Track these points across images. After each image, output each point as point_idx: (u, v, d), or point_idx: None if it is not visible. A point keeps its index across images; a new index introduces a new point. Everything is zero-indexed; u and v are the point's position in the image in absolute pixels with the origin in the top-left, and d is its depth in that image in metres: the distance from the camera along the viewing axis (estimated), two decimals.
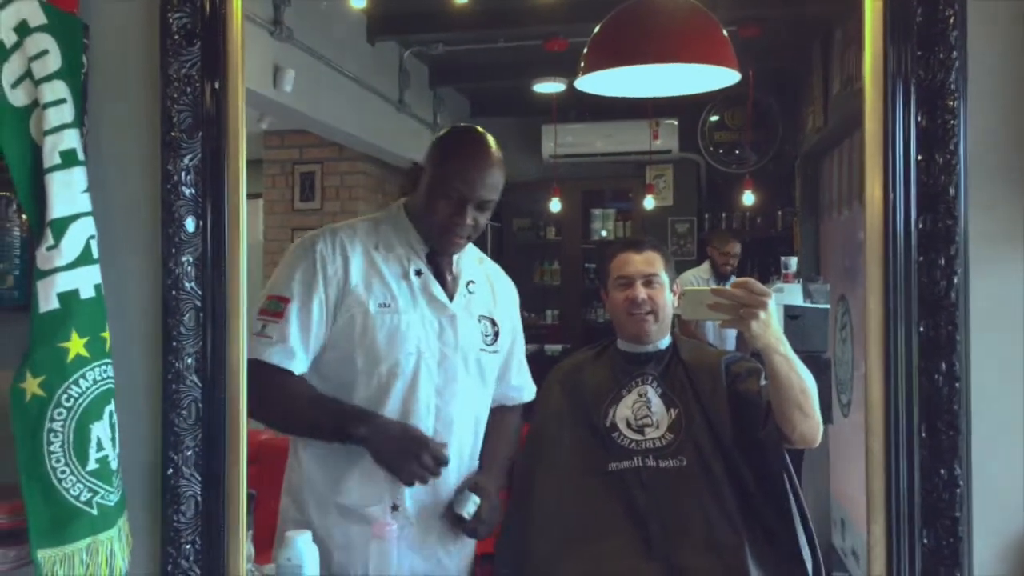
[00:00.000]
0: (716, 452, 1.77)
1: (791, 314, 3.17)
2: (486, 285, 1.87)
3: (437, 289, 1.77)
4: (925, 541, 1.13)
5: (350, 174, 5.36)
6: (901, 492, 1.14)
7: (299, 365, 1.69)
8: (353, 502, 1.69)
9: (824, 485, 3.95)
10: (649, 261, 1.90)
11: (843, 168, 3.99)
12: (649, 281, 1.88)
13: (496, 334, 1.85)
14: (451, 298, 1.78)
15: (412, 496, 1.71)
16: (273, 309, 1.67)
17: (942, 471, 1.12)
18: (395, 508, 1.70)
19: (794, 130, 5.23)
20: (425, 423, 1.72)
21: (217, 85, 1.36)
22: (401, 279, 1.75)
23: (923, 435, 1.14)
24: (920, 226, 1.15)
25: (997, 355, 1.20)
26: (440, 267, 1.79)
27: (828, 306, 3.44)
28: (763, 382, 1.74)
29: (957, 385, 1.13)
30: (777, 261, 3.66)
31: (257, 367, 1.59)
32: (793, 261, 3.63)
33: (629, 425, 1.84)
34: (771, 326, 1.60)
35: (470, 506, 1.73)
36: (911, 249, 1.16)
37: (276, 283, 1.71)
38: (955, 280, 1.13)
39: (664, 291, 1.89)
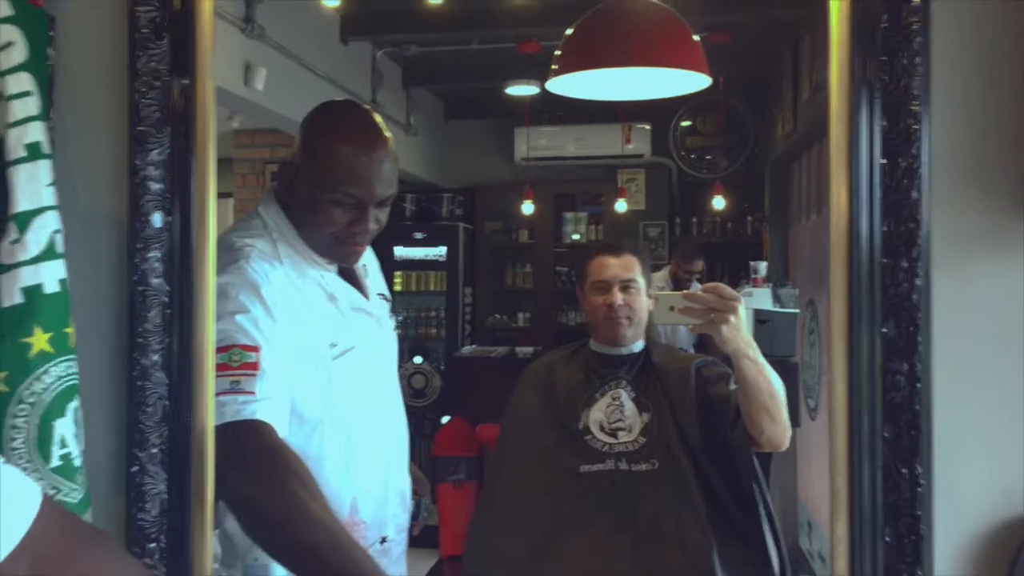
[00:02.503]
0: (686, 456, 1.80)
1: (760, 318, 3.21)
2: (370, 261, 1.67)
3: (361, 299, 1.59)
4: (887, 539, 1.15)
5: None
6: (864, 491, 1.16)
7: (283, 424, 1.39)
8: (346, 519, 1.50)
9: (791, 488, 4.00)
10: (627, 265, 1.92)
11: (812, 173, 4.04)
12: (626, 286, 1.90)
13: (392, 310, 1.72)
14: (367, 298, 1.62)
15: (392, 519, 1.62)
16: (240, 361, 1.36)
17: (904, 470, 1.14)
18: (383, 541, 1.60)
19: (764, 135, 5.30)
20: (391, 442, 1.63)
21: (186, 80, 1.34)
22: (329, 303, 1.52)
23: (885, 435, 1.16)
24: (884, 229, 1.17)
25: (959, 356, 1.22)
26: (348, 270, 1.58)
27: (797, 311, 3.48)
28: (732, 386, 1.76)
29: (919, 386, 1.15)
30: (747, 265, 3.70)
31: (239, 430, 1.33)
32: (762, 266, 3.67)
33: (602, 428, 1.85)
34: (741, 330, 1.62)
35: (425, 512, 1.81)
36: (875, 252, 1.18)
37: (229, 332, 1.38)
38: (917, 282, 1.15)
39: (640, 295, 1.91)
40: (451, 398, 5.15)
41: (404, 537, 1.69)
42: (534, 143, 5.78)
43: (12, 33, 1.26)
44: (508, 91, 4.99)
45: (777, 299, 3.53)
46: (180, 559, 1.33)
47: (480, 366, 5.13)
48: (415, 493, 1.74)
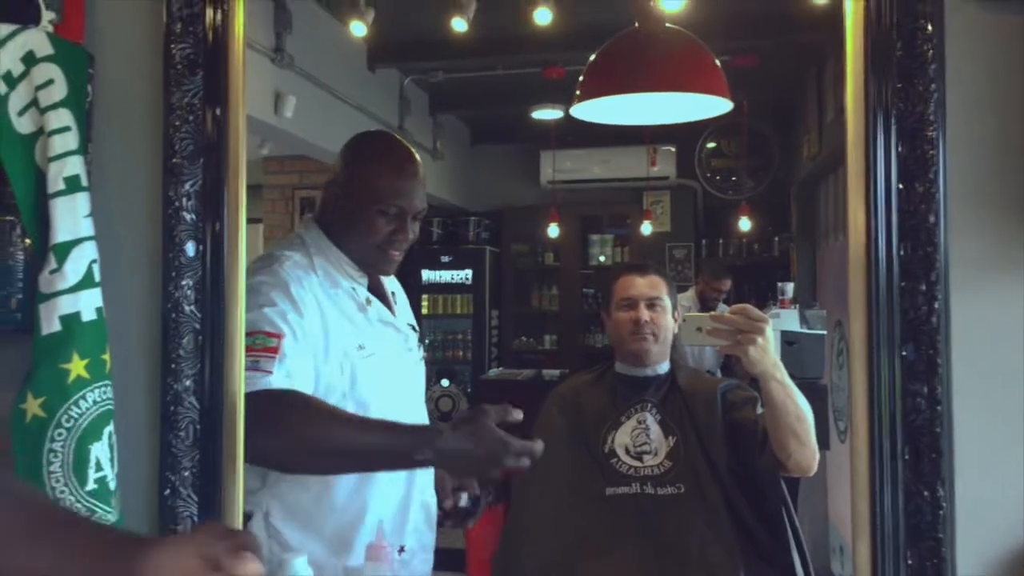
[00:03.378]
0: (713, 480, 1.79)
1: (788, 340, 3.19)
2: (398, 292, 1.79)
3: (388, 314, 1.68)
4: (909, 562, 1.15)
5: None
6: (886, 513, 1.16)
7: (310, 387, 1.49)
8: (360, 560, 1.52)
9: (822, 511, 3.95)
10: (653, 284, 1.94)
11: (838, 195, 4.02)
12: (652, 304, 1.91)
13: (420, 341, 1.80)
14: (394, 315, 1.71)
15: (414, 531, 1.65)
16: (263, 345, 1.45)
17: (925, 493, 1.14)
18: (401, 550, 1.62)
19: (790, 157, 5.29)
20: None
21: (218, 112, 1.38)
22: (359, 312, 1.62)
23: (906, 457, 1.16)
24: (901, 253, 1.17)
25: (978, 378, 1.22)
26: (378, 289, 1.69)
27: (824, 332, 3.46)
28: (759, 410, 1.75)
29: (939, 408, 1.16)
30: (774, 287, 3.68)
31: (264, 398, 1.41)
32: (790, 287, 3.66)
33: (628, 451, 1.85)
34: (768, 352, 1.61)
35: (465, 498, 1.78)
36: (893, 275, 1.18)
37: (255, 322, 1.47)
38: (936, 305, 1.16)
39: (666, 315, 1.92)
40: None
41: (429, 557, 1.70)
42: (559, 166, 5.81)
43: (53, 71, 1.32)
44: (533, 115, 5.02)
45: (805, 320, 3.51)
46: None
47: (506, 389, 5.13)
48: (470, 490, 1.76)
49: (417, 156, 1.67)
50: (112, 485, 1.30)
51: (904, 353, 1.16)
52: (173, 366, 1.36)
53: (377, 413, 1.56)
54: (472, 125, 6.10)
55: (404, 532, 1.63)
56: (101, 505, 1.28)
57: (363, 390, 1.56)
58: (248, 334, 1.44)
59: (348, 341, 1.56)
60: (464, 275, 5.96)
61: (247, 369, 1.43)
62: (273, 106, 3.48)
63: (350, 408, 1.53)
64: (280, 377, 1.44)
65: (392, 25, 3.76)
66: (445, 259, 5.93)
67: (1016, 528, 1.21)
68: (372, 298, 1.65)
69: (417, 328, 1.80)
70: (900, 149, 1.17)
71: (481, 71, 4.67)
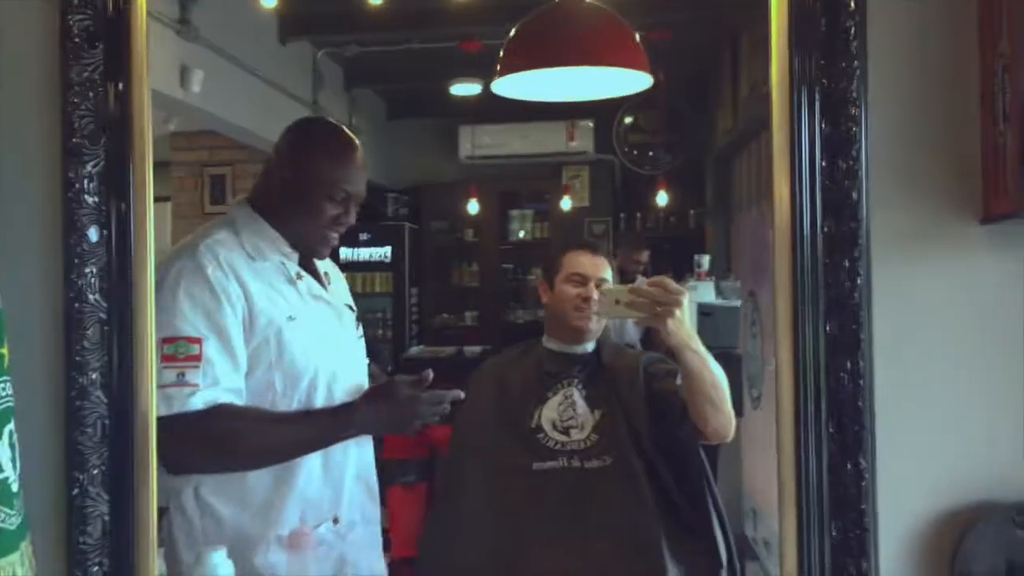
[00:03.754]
0: (637, 452, 1.82)
1: (704, 311, 3.25)
2: (334, 275, 1.85)
3: (320, 288, 1.72)
4: (834, 533, 1.18)
5: None
6: (811, 486, 1.19)
7: (237, 397, 1.56)
8: (295, 526, 1.60)
9: (736, 477, 4.06)
10: (602, 265, 1.97)
11: (752, 168, 4.10)
12: (599, 284, 1.92)
13: (357, 319, 1.85)
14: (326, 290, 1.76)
15: (352, 502, 1.69)
16: (185, 353, 1.50)
17: (848, 465, 1.17)
18: (335, 521, 1.66)
19: (705, 132, 5.37)
20: None
21: (121, 88, 1.30)
22: (288, 285, 1.66)
23: (831, 431, 1.19)
24: (825, 229, 1.19)
25: (899, 352, 1.25)
26: (309, 267, 1.73)
27: (739, 303, 3.54)
28: (679, 381, 1.78)
29: (861, 382, 1.18)
30: (690, 260, 3.74)
31: (191, 419, 1.48)
32: (706, 259, 3.72)
33: (554, 426, 1.86)
34: (684, 324, 1.64)
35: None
36: (817, 251, 1.20)
37: (175, 323, 1.51)
38: (859, 281, 1.18)
39: None
40: None
41: (375, 530, 1.76)
42: (478, 141, 5.77)
43: None
44: (451, 90, 4.96)
45: (720, 292, 3.58)
46: None
47: (428, 366, 5.09)
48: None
49: (358, 143, 1.72)
50: (15, 487, 1.21)
51: (828, 329, 1.18)
52: (78, 359, 1.29)
53: (307, 383, 1.60)
54: (388, 99, 6.00)
55: (340, 503, 1.66)
56: (3, 508, 1.19)
57: (290, 360, 1.59)
58: (169, 340, 1.49)
59: (276, 312, 1.60)
60: (383, 252, 5.88)
61: (172, 384, 1.48)
62: (179, 80, 3.34)
63: (276, 378, 1.57)
64: (205, 390, 1.50)
65: None
66: (364, 236, 5.83)
67: (937, 497, 1.26)
68: (303, 273, 1.69)
69: (354, 308, 1.83)
70: (823, 126, 1.18)
71: (397, 44, 4.58)
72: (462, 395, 1.68)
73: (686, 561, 1.75)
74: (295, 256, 1.68)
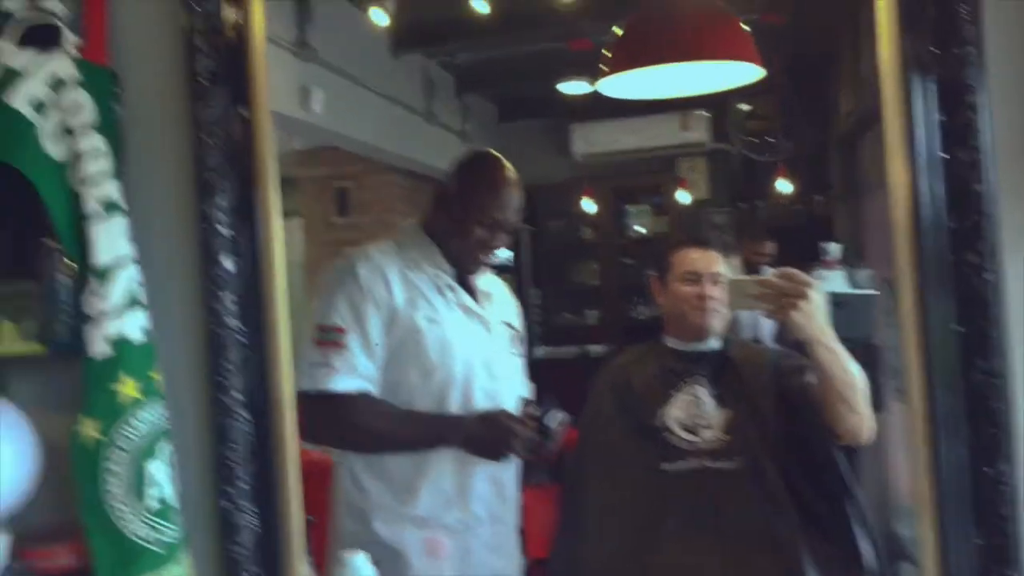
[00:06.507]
0: (770, 452, 1.77)
1: (836, 301, 3.11)
2: (498, 295, 1.98)
3: (470, 301, 1.87)
4: (978, 541, 1.12)
5: (384, 187, 5.41)
6: (948, 490, 1.13)
7: (372, 387, 1.75)
8: (427, 512, 1.77)
9: (882, 473, 3.89)
10: (715, 259, 1.93)
11: (879, 149, 3.91)
12: (715, 279, 1.89)
13: (518, 339, 1.97)
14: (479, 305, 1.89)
15: (480, 499, 1.80)
16: (332, 339, 1.73)
17: (986, 469, 1.11)
18: (463, 513, 1.80)
19: (827, 114, 5.16)
20: None
21: (246, 118, 1.38)
22: (437, 294, 1.83)
23: (966, 433, 1.13)
24: (949, 224, 1.13)
25: None
26: (464, 283, 1.89)
27: (875, 291, 3.38)
28: (811, 379, 1.73)
29: (997, 382, 1.12)
30: (817, 248, 3.61)
31: (327, 398, 1.70)
32: (834, 247, 3.58)
33: (682, 426, 1.84)
34: (814, 316, 1.59)
35: (555, 418, 1.79)
36: (942, 248, 1.14)
37: (326, 312, 1.76)
38: (988, 276, 1.12)
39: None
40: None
41: (506, 531, 1.87)
42: (591, 139, 5.74)
43: (81, 95, 1.32)
44: (561, 89, 4.97)
45: (852, 280, 3.44)
46: None
47: (553, 368, 5.13)
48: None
49: (517, 177, 1.88)
50: (172, 502, 1.31)
51: (958, 328, 1.12)
52: (222, 380, 1.37)
53: (440, 383, 1.76)
54: (499, 103, 6.05)
55: (469, 497, 1.79)
56: (163, 523, 1.29)
57: (426, 358, 1.75)
58: (320, 326, 1.74)
59: (417, 314, 1.77)
60: (504, 256, 5.94)
61: (316, 364, 1.71)
62: (300, 101, 3.48)
63: (412, 374, 1.75)
64: (343, 376, 1.71)
65: (413, 10, 3.74)
66: None
67: None
68: (456, 286, 1.84)
69: (515, 327, 1.97)
70: (941, 116, 1.12)
71: (506, 49, 4.63)
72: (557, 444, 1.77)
73: (827, 566, 1.70)
74: (451, 271, 1.85)
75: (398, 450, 1.78)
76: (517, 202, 1.87)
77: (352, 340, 1.73)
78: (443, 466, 1.78)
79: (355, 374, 1.72)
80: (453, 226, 1.85)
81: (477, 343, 1.84)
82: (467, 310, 1.86)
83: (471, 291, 1.89)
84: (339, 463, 1.85)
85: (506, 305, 2.00)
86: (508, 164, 1.91)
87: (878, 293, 3.42)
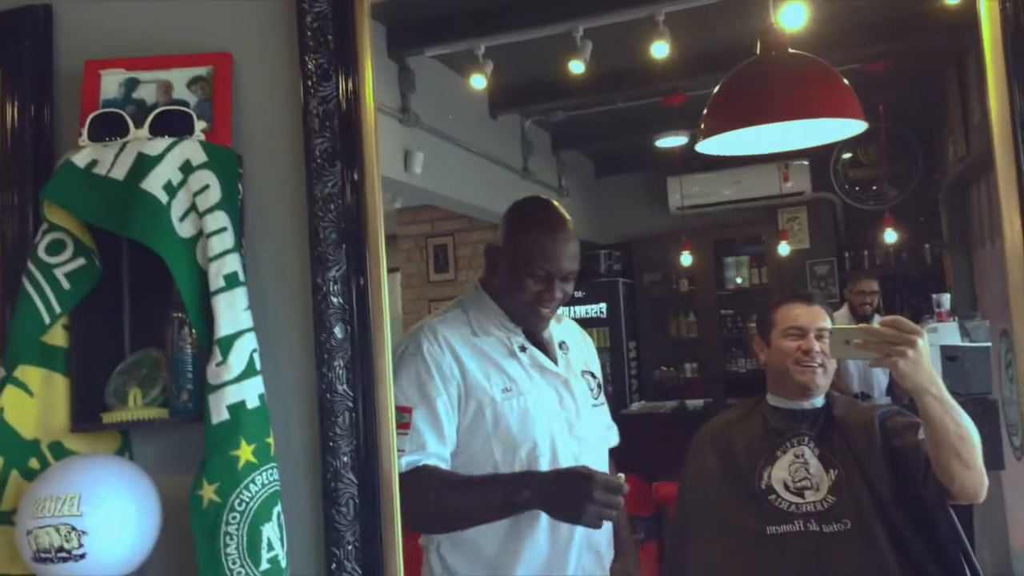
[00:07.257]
0: (879, 513, 1.72)
1: (949, 355, 3.00)
2: (574, 341, 1.89)
3: (545, 360, 1.78)
4: None
5: (480, 243, 5.50)
6: None
7: (441, 462, 1.67)
8: None
9: (1002, 538, 3.66)
10: (819, 315, 1.91)
11: (994, 196, 3.76)
12: (820, 335, 1.86)
13: (599, 386, 1.89)
14: (555, 363, 1.80)
15: (575, 569, 1.71)
16: (403, 421, 1.63)
17: None
18: None
19: (935, 161, 5.00)
20: None
21: (357, 198, 1.45)
22: (510, 358, 1.74)
23: None
24: None
25: None
26: (536, 338, 1.80)
27: (989, 344, 3.24)
28: (920, 436, 1.67)
29: None
30: (928, 299, 3.48)
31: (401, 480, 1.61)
32: (946, 298, 3.45)
33: (787, 487, 1.80)
34: (921, 365, 1.55)
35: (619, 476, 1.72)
36: None
37: (395, 395, 1.65)
38: None
39: None
40: (623, 457, 5.09)
41: None
42: (687, 191, 5.72)
43: (208, 176, 1.41)
44: (657, 144, 4.98)
45: (966, 333, 3.30)
46: None
47: (650, 422, 5.05)
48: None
49: (568, 219, 1.77)
50: (283, 563, 1.36)
51: None
52: (331, 444, 1.42)
53: (526, 452, 1.67)
54: (595, 158, 6.10)
55: (566, 567, 1.70)
56: None
57: (506, 430, 1.67)
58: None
59: (490, 385, 1.69)
60: (599, 309, 5.95)
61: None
62: (403, 164, 3.60)
63: (496, 448, 1.66)
64: (410, 455, 1.62)
65: (511, 73, 3.83)
66: (578, 294, 5.93)
67: None
68: (528, 346, 1.76)
69: (596, 374, 1.88)
70: None
71: (601, 107, 4.68)
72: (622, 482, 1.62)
73: None
74: (519, 330, 1.76)
75: (475, 521, 1.67)
76: (570, 248, 1.74)
77: (419, 418, 1.65)
78: (536, 537, 1.68)
79: (423, 452, 1.64)
80: (506, 281, 1.75)
81: (558, 406, 1.76)
82: (543, 370, 1.76)
83: (544, 346, 1.80)
84: (426, 545, 1.75)
85: (584, 349, 1.91)
86: (556, 206, 1.81)
87: (993, 346, 3.27)
